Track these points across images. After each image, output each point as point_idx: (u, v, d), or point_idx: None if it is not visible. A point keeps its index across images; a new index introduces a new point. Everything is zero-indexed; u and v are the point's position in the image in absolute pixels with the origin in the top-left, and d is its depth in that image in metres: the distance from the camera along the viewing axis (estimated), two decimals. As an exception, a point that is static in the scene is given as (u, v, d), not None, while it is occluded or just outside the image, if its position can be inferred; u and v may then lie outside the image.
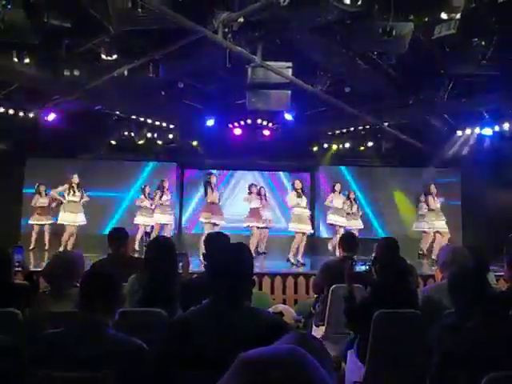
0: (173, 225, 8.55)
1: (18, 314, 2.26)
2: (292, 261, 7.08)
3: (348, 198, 8.32)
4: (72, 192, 7.39)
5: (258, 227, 7.74)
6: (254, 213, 7.85)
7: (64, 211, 7.42)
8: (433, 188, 7.81)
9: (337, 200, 8.05)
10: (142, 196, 8.39)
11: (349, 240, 3.58)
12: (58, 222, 7.52)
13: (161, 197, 8.16)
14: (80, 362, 1.48)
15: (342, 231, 7.86)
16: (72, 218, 7.37)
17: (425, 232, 7.90)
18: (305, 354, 0.70)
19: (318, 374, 0.68)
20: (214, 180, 7.39)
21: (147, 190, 8.44)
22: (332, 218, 8.07)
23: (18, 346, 1.70)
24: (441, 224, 7.62)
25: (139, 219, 8.29)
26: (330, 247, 7.90)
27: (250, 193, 8.05)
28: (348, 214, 8.27)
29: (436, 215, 7.67)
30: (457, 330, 1.86)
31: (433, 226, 7.67)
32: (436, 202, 7.68)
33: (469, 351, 1.76)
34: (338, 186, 8.14)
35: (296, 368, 0.67)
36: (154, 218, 8.24)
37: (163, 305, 2.40)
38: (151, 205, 8.28)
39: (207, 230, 7.15)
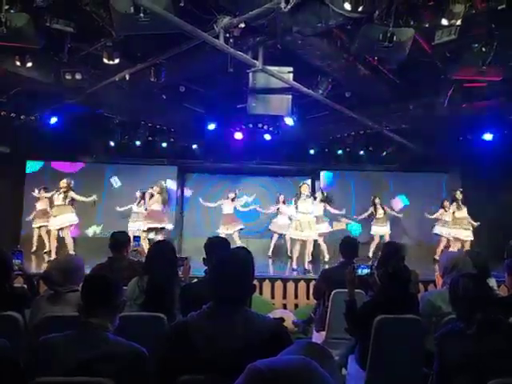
0: (164, 229, 8.44)
1: (17, 317, 2.26)
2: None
3: (373, 203, 8.45)
4: (57, 195, 7.38)
5: (229, 234, 7.96)
6: (227, 218, 8.20)
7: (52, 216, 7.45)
8: (459, 194, 7.76)
9: (315, 208, 8.08)
10: (135, 203, 8.41)
11: (348, 245, 3.57)
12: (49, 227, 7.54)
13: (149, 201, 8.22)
14: (80, 366, 1.48)
15: (321, 240, 7.96)
16: (53, 222, 7.34)
17: (443, 237, 7.85)
18: (315, 365, 0.70)
19: None
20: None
21: (138, 194, 8.44)
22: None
23: (18, 349, 1.69)
24: (460, 232, 7.53)
25: (131, 225, 8.27)
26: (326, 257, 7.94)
27: (227, 198, 8.39)
28: (376, 219, 8.42)
29: (458, 222, 7.63)
30: (458, 337, 1.85)
31: (452, 232, 7.64)
32: (459, 210, 7.64)
33: (470, 358, 1.76)
34: (318, 194, 8.25)
35: (307, 380, 0.66)
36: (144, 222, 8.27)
37: (163, 309, 2.40)
38: (146, 210, 8.31)
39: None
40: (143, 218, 7.89)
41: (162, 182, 8.09)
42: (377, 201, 8.53)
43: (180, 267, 2.90)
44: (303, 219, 7.05)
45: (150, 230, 7.64)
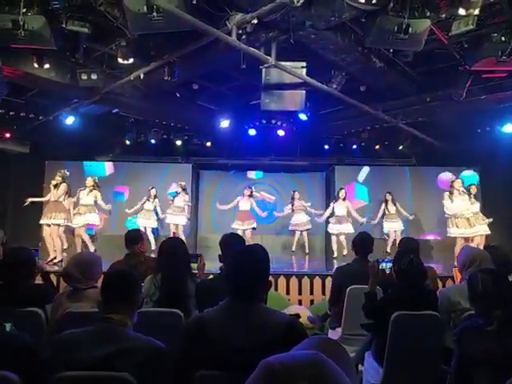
0: (184, 226, 8.48)
1: (40, 313, 2.32)
2: None
3: (385, 200, 8.42)
4: (85, 193, 7.38)
5: (243, 230, 8.02)
6: (243, 215, 8.22)
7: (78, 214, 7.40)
8: (457, 184, 7.00)
9: (339, 207, 8.07)
10: (145, 198, 8.45)
11: (362, 241, 3.54)
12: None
13: (173, 200, 8.31)
14: (100, 362, 1.50)
15: (342, 238, 7.91)
16: (78, 219, 7.31)
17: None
18: (327, 360, 0.69)
19: (341, 380, 0.68)
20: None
21: (152, 192, 8.50)
22: (332, 228, 8.13)
23: (40, 345, 1.74)
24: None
25: (141, 222, 8.30)
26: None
27: (242, 195, 8.38)
28: (388, 215, 8.36)
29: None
30: (477, 333, 1.82)
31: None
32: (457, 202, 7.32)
33: (490, 354, 1.73)
34: (342, 193, 8.17)
35: (320, 375, 0.66)
36: (167, 219, 8.35)
37: (178, 305, 2.42)
38: (155, 208, 8.41)
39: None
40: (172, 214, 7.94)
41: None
42: (388, 197, 8.44)
43: (195, 264, 2.93)
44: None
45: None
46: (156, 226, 8.61)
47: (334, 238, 8.10)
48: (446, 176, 9.23)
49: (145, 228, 8.24)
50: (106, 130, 8.66)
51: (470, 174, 9.19)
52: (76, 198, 7.49)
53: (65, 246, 7.41)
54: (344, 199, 8.16)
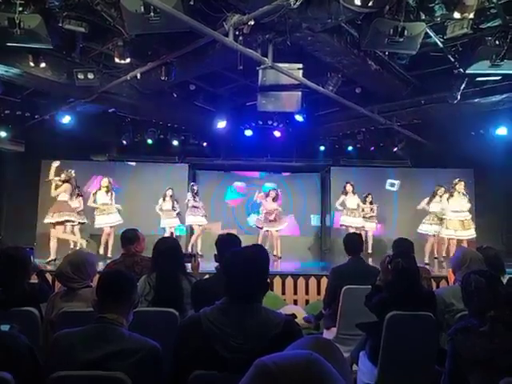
0: (204, 226, 8.47)
1: (35, 313, 2.31)
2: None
3: (365, 200, 8.43)
4: (105, 193, 7.51)
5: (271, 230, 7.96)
6: (269, 215, 8.08)
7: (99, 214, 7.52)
8: (440, 191, 7.47)
9: (350, 201, 8.09)
10: (161, 199, 8.45)
11: (352, 242, 3.55)
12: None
13: (194, 199, 8.27)
14: (95, 361, 1.51)
15: (367, 234, 7.97)
16: (106, 219, 7.45)
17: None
18: (322, 360, 0.70)
19: (335, 380, 0.68)
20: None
21: (168, 193, 8.49)
22: (345, 220, 8.12)
23: (36, 344, 1.74)
24: (438, 228, 7.31)
25: (164, 222, 8.37)
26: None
27: (266, 196, 8.22)
28: (365, 215, 8.40)
29: (434, 219, 7.42)
30: (471, 334, 1.84)
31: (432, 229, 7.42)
32: (438, 205, 7.44)
33: (483, 355, 1.74)
34: (349, 187, 8.17)
35: (314, 376, 0.67)
36: (187, 219, 8.37)
37: (173, 304, 2.43)
38: (172, 207, 8.41)
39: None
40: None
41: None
42: (368, 198, 8.50)
43: (189, 264, 2.94)
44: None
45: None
46: (179, 224, 8.60)
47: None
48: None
49: (165, 229, 8.25)
50: (102, 130, 8.63)
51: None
52: (92, 200, 7.59)
53: (79, 247, 7.40)
54: (353, 193, 8.19)
